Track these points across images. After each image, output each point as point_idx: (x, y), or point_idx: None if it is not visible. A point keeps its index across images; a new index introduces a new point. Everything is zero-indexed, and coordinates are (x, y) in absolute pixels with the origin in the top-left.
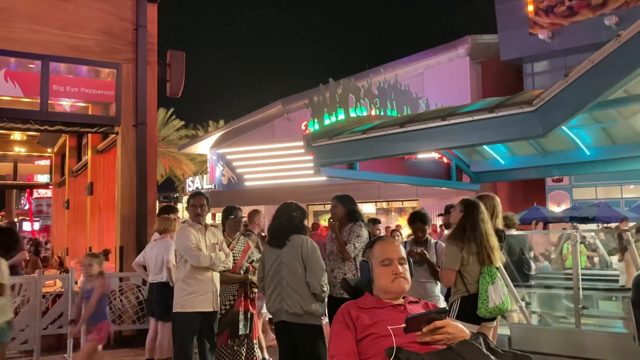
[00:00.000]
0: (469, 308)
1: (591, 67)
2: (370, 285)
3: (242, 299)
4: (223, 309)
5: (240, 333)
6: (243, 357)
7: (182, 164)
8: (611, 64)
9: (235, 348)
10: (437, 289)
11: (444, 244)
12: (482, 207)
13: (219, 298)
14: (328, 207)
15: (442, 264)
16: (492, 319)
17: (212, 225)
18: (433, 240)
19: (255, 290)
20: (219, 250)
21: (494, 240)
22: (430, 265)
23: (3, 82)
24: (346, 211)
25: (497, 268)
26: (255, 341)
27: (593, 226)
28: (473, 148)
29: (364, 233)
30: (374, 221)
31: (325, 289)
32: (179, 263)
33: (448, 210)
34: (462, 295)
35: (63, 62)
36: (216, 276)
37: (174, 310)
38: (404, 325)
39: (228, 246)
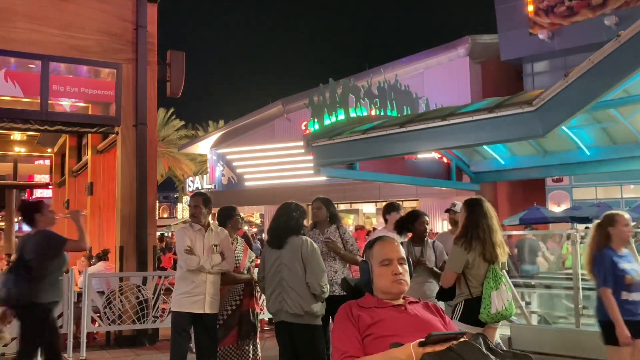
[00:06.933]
0: (472, 311)
1: (591, 67)
2: (370, 286)
3: (249, 298)
4: (229, 309)
5: (252, 332)
6: (250, 357)
7: (182, 164)
8: (611, 64)
9: (246, 348)
10: (438, 289)
11: (441, 244)
12: (486, 204)
13: (217, 300)
14: None
15: (446, 264)
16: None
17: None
18: (430, 240)
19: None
20: (219, 252)
21: (497, 236)
22: (429, 269)
23: (3, 82)
24: (329, 214)
25: (503, 270)
26: (259, 340)
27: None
28: (473, 148)
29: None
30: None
31: (325, 289)
32: (178, 264)
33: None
34: (465, 298)
35: (63, 62)
36: (212, 278)
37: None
38: (422, 339)
39: None
